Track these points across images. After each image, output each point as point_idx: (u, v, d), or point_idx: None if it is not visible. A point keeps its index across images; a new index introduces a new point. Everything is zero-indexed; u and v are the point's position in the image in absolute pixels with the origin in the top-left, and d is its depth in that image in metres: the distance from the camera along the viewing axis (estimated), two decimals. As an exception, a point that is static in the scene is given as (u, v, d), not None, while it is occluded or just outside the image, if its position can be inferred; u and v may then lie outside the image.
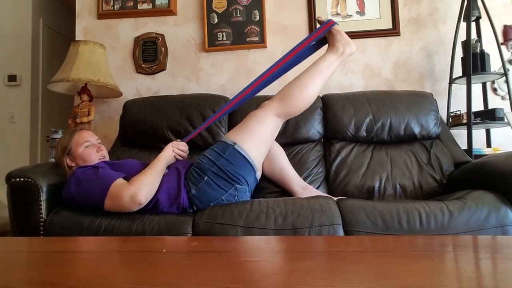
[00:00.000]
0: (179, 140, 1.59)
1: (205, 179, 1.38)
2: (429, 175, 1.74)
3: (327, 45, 1.56)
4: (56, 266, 0.65)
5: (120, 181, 1.33)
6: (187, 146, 1.58)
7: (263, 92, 1.93)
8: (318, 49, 1.60)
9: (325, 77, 1.51)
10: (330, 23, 1.49)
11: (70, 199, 1.35)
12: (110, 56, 2.41)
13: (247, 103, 1.92)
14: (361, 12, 2.33)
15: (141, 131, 1.97)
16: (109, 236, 1.24)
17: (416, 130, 1.86)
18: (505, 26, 2.27)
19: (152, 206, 1.35)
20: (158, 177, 1.38)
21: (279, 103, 1.47)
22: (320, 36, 1.53)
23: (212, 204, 1.37)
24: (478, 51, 2.06)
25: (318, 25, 1.55)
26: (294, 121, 1.90)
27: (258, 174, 1.62)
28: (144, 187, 1.30)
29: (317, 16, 1.55)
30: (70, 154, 1.47)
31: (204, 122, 1.70)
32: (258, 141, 1.44)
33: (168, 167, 1.47)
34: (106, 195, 1.29)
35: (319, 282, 0.52)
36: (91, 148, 1.49)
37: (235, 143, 1.41)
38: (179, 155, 1.51)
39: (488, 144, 2.20)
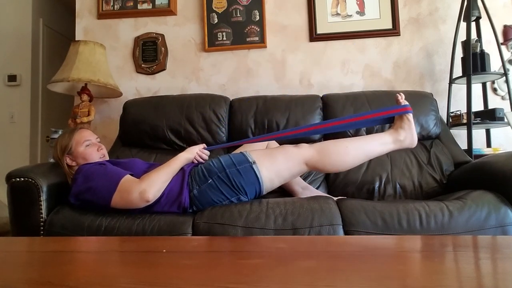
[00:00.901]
0: (205, 146, 1.54)
1: (209, 181, 1.37)
2: (429, 175, 1.74)
3: (392, 124, 1.50)
4: (56, 266, 0.65)
5: (129, 177, 1.34)
6: (208, 154, 1.54)
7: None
8: (382, 124, 1.55)
9: (371, 155, 1.45)
10: (407, 109, 1.44)
11: (77, 195, 1.35)
12: (110, 56, 2.41)
13: (246, 100, 1.92)
14: (361, 12, 2.33)
15: (141, 131, 1.97)
16: (109, 236, 1.24)
17: (416, 130, 1.86)
18: (505, 26, 2.27)
19: (153, 204, 1.35)
20: (171, 177, 1.37)
21: (314, 154, 1.41)
22: (391, 115, 1.48)
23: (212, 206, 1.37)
24: (478, 51, 2.05)
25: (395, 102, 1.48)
26: (294, 121, 1.90)
27: None
28: (155, 185, 1.30)
29: (399, 93, 1.48)
30: (70, 153, 1.47)
31: (239, 141, 1.64)
32: (276, 174, 1.41)
33: None
34: (115, 190, 1.29)
35: (319, 282, 0.52)
36: (92, 147, 1.50)
37: (254, 162, 1.38)
38: (198, 161, 1.49)
39: (488, 144, 2.20)
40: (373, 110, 1.49)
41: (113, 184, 1.30)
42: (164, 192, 1.35)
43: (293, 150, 1.42)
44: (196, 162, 1.48)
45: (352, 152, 1.42)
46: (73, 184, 1.37)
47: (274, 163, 1.40)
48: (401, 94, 1.48)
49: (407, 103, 1.46)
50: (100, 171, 1.35)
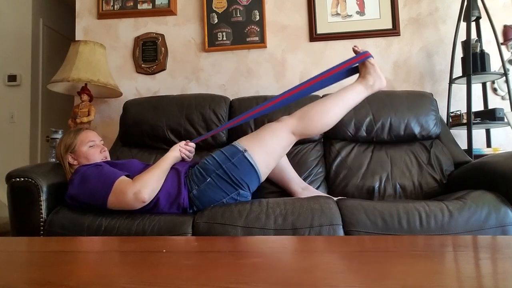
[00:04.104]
0: (188, 141, 1.57)
1: (208, 180, 1.38)
2: (429, 175, 1.74)
3: (358, 74, 1.53)
4: (56, 266, 0.65)
5: (124, 178, 1.34)
6: (194, 147, 1.57)
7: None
8: (348, 77, 1.57)
9: (349, 106, 1.49)
10: (366, 55, 1.48)
11: (73, 197, 1.35)
12: (110, 56, 2.41)
13: (247, 100, 1.92)
14: (361, 12, 2.33)
15: (141, 131, 1.97)
16: (109, 236, 1.24)
17: (416, 130, 1.86)
18: (505, 26, 2.27)
19: (152, 206, 1.35)
20: (163, 176, 1.38)
21: (297, 121, 1.45)
22: (353, 65, 1.51)
23: (212, 205, 1.37)
24: (478, 51, 2.05)
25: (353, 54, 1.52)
26: (294, 121, 1.89)
27: None
28: (148, 185, 1.30)
29: (354, 45, 1.54)
30: (73, 152, 1.48)
31: (218, 127, 1.66)
32: (268, 154, 1.43)
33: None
34: (110, 191, 1.29)
35: (320, 282, 0.52)
36: (95, 148, 1.50)
37: (245, 150, 1.39)
38: (186, 156, 1.52)
39: (488, 144, 2.20)
40: (335, 65, 1.52)
41: (108, 186, 1.30)
42: (160, 196, 1.35)
43: (276, 124, 1.46)
44: (186, 157, 1.51)
45: (331, 108, 1.46)
46: (69, 185, 1.38)
47: (263, 144, 1.42)
48: (357, 45, 1.53)
49: (366, 50, 1.51)
50: (96, 173, 1.35)
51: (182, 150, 1.50)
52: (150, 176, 1.33)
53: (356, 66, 1.54)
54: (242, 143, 1.43)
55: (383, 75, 1.50)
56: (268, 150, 1.42)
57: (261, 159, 1.40)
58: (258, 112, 1.55)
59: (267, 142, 1.42)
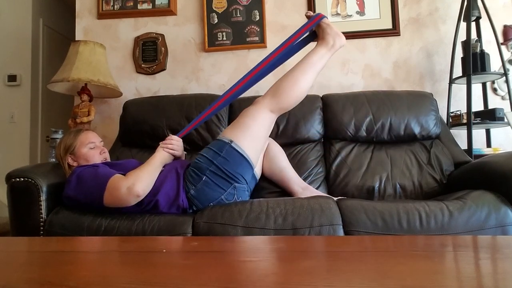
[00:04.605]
0: (171, 135, 1.56)
1: (203, 179, 1.38)
2: (429, 175, 1.74)
3: (317, 39, 1.55)
4: (56, 266, 0.65)
5: (118, 175, 1.34)
6: (180, 141, 1.55)
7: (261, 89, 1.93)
8: (308, 43, 1.59)
9: (317, 70, 1.50)
10: (319, 17, 1.49)
11: (71, 198, 1.35)
12: (110, 56, 2.41)
13: (247, 100, 1.92)
14: (361, 12, 2.33)
15: (141, 131, 1.97)
16: (109, 236, 1.24)
17: (416, 130, 1.86)
18: (505, 26, 2.27)
19: (152, 207, 1.36)
20: (155, 172, 1.38)
21: (272, 98, 1.46)
22: (310, 30, 1.53)
23: (211, 204, 1.38)
24: (478, 51, 2.06)
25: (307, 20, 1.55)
26: (294, 121, 1.90)
27: (257, 173, 1.61)
28: (142, 179, 1.30)
29: (306, 12, 1.54)
30: (73, 153, 1.48)
31: (195, 118, 1.65)
32: (253, 138, 1.44)
33: (166, 165, 1.47)
34: (105, 189, 1.30)
35: (319, 282, 0.52)
36: (95, 149, 1.51)
37: (231, 141, 1.40)
38: (173, 149, 1.50)
39: (488, 144, 2.20)
40: (292, 34, 1.53)
41: (103, 185, 1.31)
42: (159, 197, 1.35)
43: (253, 108, 1.47)
44: (175, 152, 1.50)
45: (301, 77, 1.47)
46: (66, 185, 1.38)
47: (246, 130, 1.43)
48: (308, 11, 1.56)
49: (318, 12, 1.52)
50: (91, 173, 1.36)
51: (164, 146, 1.49)
52: (142, 171, 1.34)
53: (314, 32, 1.55)
54: (226, 134, 1.44)
55: (340, 32, 1.52)
56: (252, 135, 1.43)
57: (248, 145, 1.41)
58: (226, 100, 1.55)
59: (250, 127, 1.43)
